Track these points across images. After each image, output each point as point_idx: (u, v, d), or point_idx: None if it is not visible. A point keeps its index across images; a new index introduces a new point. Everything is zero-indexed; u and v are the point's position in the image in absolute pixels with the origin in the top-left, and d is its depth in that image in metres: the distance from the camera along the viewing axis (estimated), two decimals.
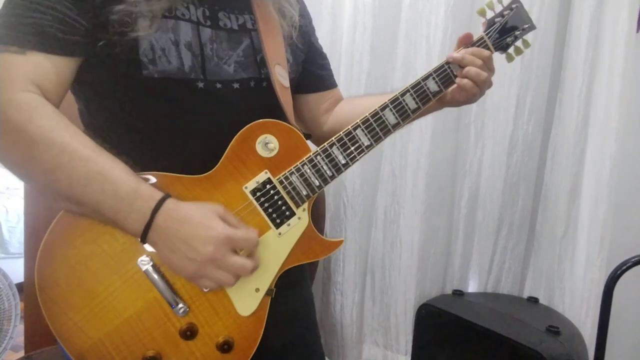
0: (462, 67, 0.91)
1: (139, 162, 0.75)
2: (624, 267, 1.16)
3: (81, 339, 0.74)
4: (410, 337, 1.76)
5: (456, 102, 0.96)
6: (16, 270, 2.17)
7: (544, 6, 1.57)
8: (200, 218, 0.71)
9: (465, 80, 0.90)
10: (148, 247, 0.75)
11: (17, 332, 2.10)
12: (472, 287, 1.84)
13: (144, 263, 0.75)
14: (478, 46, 0.93)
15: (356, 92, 1.72)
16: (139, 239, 0.72)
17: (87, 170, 0.68)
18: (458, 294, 1.74)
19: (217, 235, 0.70)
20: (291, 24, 0.94)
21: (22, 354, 2.00)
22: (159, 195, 0.71)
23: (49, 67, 0.71)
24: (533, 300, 1.72)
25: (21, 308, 2.09)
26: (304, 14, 1.02)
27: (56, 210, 0.78)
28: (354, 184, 1.75)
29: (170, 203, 0.71)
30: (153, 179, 0.77)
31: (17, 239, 3.03)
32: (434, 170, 1.70)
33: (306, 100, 1.06)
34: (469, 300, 1.71)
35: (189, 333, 0.76)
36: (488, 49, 0.93)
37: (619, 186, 1.47)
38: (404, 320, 1.79)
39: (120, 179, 0.70)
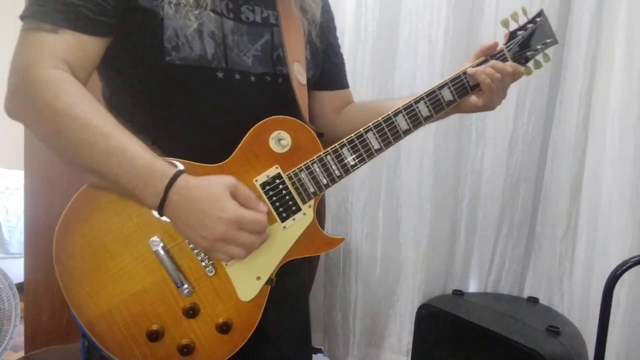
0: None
1: (158, 148, 0.78)
2: (624, 267, 1.16)
3: (91, 308, 0.79)
4: (410, 338, 1.76)
5: (472, 109, 0.96)
6: (16, 270, 2.17)
7: (543, 6, 1.57)
8: (211, 197, 0.73)
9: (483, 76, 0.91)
10: (159, 228, 0.79)
11: (17, 332, 2.10)
12: (472, 287, 1.84)
13: (155, 244, 0.79)
14: (498, 58, 0.93)
15: (358, 91, 1.72)
16: (157, 212, 0.75)
17: (107, 145, 0.72)
18: (458, 294, 1.74)
19: (227, 217, 0.73)
20: (311, 20, 0.96)
21: (22, 354, 2.00)
22: (172, 171, 0.74)
23: (79, 46, 0.75)
24: (533, 300, 1.72)
25: (21, 308, 2.09)
26: (326, 11, 1.03)
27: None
28: (355, 184, 1.75)
29: (182, 180, 0.74)
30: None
31: (17, 239, 3.04)
32: (437, 170, 1.70)
33: (317, 97, 1.07)
34: (469, 300, 1.71)
35: (192, 312, 0.80)
36: (507, 61, 0.94)
37: (620, 186, 1.47)
38: (405, 321, 1.79)
39: (137, 154, 0.73)
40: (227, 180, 0.76)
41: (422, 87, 1.65)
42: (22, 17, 0.76)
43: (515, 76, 0.93)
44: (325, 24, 1.02)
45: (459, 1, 1.62)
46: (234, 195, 0.75)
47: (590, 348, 1.46)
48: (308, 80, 0.95)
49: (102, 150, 0.72)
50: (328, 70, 1.06)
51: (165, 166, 0.74)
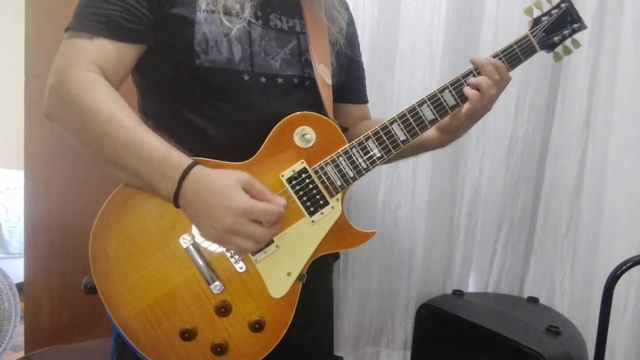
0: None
1: (186, 148, 0.80)
2: (624, 267, 1.16)
3: (126, 308, 0.80)
4: (410, 337, 1.76)
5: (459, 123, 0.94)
6: (16, 270, 2.17)
7: None
8: (222, 187, 0.75)
9: (474, 92, 0.89)
10: (190, 226, 0.81)
11: (17, 332, 2.10)
12: (472, 287, 1.84)
13: (186, 241, 0.80)
14: (522, 44, 0.93)
15: None
16: (172, 203, 0.77)
17: (127, 137, 0.75)
18: (458, 294, 1.74)
19: (235, 207, 0.74)
20: (339, 30, 0.99)
21: (22, 354, 2.00)
22: (186, 162, 0.76)
23: (111, 52, 0.81)
24: (533, 300, 1.72)
25: (21, 308, 2.09)
26: (350, 24, 1.06)
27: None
28: (355, 184, 1.74)
29: (196, 171, 0.76)
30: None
31: (17, 239, 3.03)
32: (437, 170, 1.70)
33: (339, 109, 1.08)
34: (469, 300, 1.71)
35: (223, 310, 0.81)
36: (533, 47, 0.94)
37: (620, 186, 1.47)
38: (404, 321, 1.79)
39: (154, 146, 0.76)
40: (241, 174, 0.78)
41: (422, 87, 1.67)
42: (65, 30, 0.82)
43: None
44: (350, 36, 1.04)
45: (460, 1, 1.62)
46: (247, 190, 0.76)
47: (590, 348, 1.47)
48: (333, 85, 0.97)
49: (123, 142, 0.75)
50: (351, 83, 1.08)
51: (179, 157, 0.76)
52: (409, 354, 1.78)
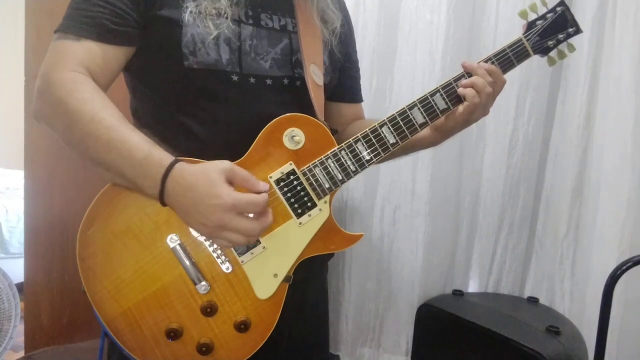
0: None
1: (176, 150, 0.80)
2: (624, 267, 1.16)
3: (113, 306, 0.80)
4: (410, 337, 1.76)
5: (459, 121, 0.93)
6: (16, 270, 2.17)
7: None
8: (205, 183, 0.73)
9: (469, 89, 0.89)
10: (177, 226, 0.81)
11: (17, 332, 2.10)
12: (472, 287, 1.84)
13: (173, 241, 0.81)
14: (516, 48, 0.92)
15: None
16: (159, 202, 0.77)
17: (108, 137, 0.75)
18: (458, 294, 1.74)
19: (222, 204, 0.72)
20: (332, 30, 0.98)
21: (22, 354, 2.00)
22: (168, 160, 0.75)
23: (98, 53, 0.81)
24: (533, 301, 1.72)
25: (21, 308, 2.09)
26: (346, 24, 1.05)
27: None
28: (351, 183, 1.75)
29: (177, 168, 0.75)
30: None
31: (17, 239, 3.03)
32: (437, 170, 1.70)
33: (332, 108, 1.08)
34: (469, 300, 1.71)
35: (209, 310, 0.81)
36: (526, 51, 0.93)
37: (620, 186, 1.47)
38: (404, 321, 1.79)
39: (136, 145, 0.75)
40: (223, 165, 0.75)
41: (422, 86, 1.67)
42: (54, 32, 0.82)
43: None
44: (344, 35, 1.03)
45: (460, 0, 1.62)
46: (230, 179, 0.75)
47: (590, 348, 1.47)
48: (325, 85, 0.97)
49: (104, 142, 0.75)
50: (345, 82, 1.07)
51: (161, 155, 0.75)
52: (409, 354, 1.78)
